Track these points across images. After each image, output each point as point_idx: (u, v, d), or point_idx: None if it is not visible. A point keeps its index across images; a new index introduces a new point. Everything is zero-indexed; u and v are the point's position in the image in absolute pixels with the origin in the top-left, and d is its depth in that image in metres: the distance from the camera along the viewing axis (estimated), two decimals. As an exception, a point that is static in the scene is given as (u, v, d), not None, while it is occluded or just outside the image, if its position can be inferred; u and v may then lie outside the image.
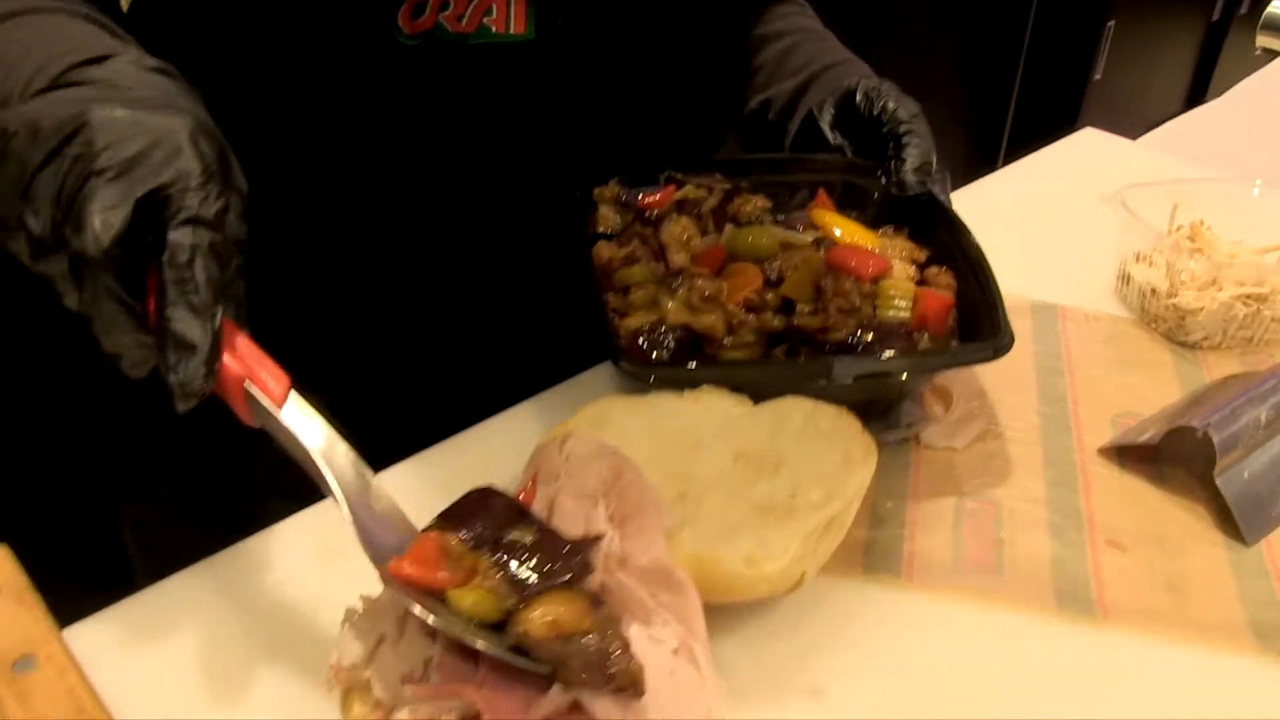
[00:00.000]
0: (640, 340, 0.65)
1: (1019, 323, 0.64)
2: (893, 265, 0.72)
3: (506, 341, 0.78)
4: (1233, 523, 0.66)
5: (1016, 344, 0.64)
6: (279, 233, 0.71)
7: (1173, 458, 0.70)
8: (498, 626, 0.46)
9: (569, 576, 0.47)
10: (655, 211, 0.75)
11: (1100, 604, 0.60)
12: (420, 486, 0.66)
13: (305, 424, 0.48)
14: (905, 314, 0.69)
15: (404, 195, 0.73)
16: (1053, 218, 1.06)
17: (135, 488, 0.85)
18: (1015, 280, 0.68)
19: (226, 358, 0.47)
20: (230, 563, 0.61)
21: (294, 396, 0.49)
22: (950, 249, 0.74)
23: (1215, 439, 0.65)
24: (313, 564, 0.60)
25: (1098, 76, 2.74)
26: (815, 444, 0.59)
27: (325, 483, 0.48)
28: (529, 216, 0.75)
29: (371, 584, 0.50)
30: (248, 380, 0.48)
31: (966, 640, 0.58)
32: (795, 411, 0.61)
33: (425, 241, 0.75)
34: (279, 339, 0.52)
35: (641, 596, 0.49)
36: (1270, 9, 1.50)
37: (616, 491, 0.53)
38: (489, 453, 0.69)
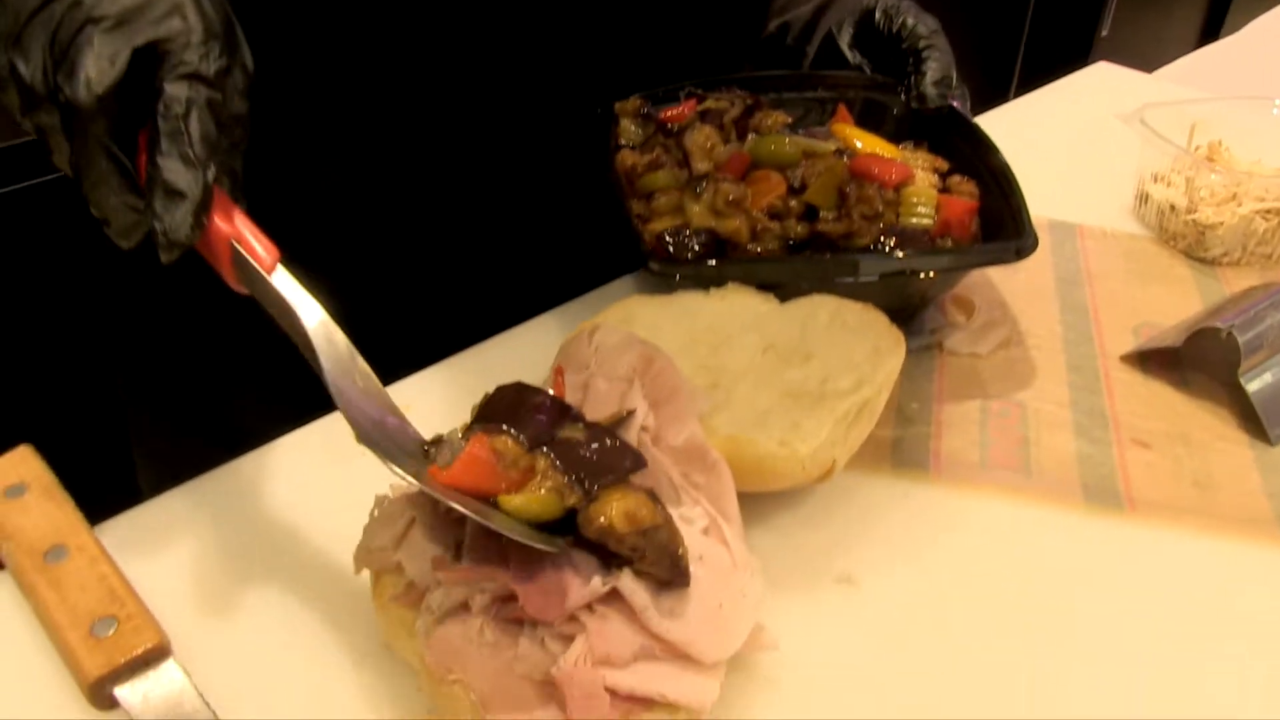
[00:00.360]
0: (666, 242, 0.65)
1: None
2: (915, 173, 0.72)
3: (527, 256, 0.77)
4: (1257, 423, 0.66)
5: (1036, 256, 0.64)
6: (300, 144, 0.70)
7: (1196, 363, 0.70)
8: (553, 524, 0.46)
9: (626, 471, 0.47)
10: (677, 125, 0.75)
11: (1127, 498, 0.60)
12: (443, 392, 0.66)
13: (292, 291, 0.47)
14: (928, 220, 0.68)
15: (425, 112, 0.72)
16: (1068, 141, 1.05)
17: (143, 404, 0.85)
18: (1031, 201, 0.68)
19: (217, 219, 0.46)
20: (253, 466, 0.61)
21: (283, 269, 0.48)
22: (971, 160, 0.74)
23: (1240, 339, 0.65)
24: (338, 465, 0.60)
25: (1105, 33, 2.72)
26: (843, 336, 0.59)
27: (308, 347, 0.47)
28: (549, 135, 0.75)
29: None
30: (235, 241, 0.47)
31: (996, 533, 0.58)
32: (822, 308, 0.61)
33: (446, 157, 0.74)
34: (301, 252, 0.51)
35: (673, 476, 0.49)
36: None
37: (649, 378, 0.52)
38: (512, 359, 0.69)
